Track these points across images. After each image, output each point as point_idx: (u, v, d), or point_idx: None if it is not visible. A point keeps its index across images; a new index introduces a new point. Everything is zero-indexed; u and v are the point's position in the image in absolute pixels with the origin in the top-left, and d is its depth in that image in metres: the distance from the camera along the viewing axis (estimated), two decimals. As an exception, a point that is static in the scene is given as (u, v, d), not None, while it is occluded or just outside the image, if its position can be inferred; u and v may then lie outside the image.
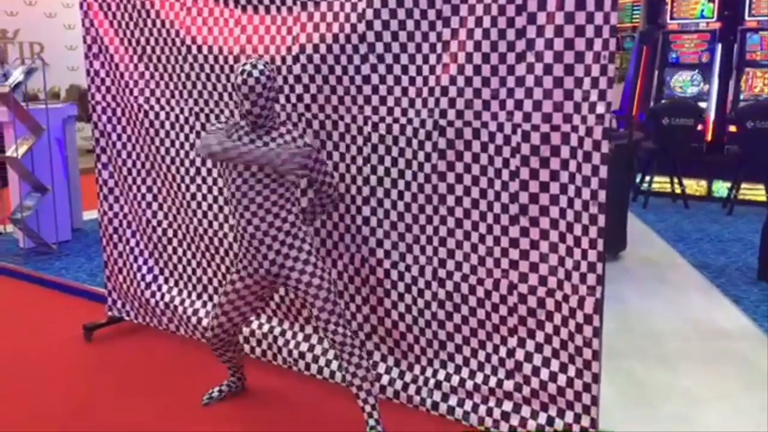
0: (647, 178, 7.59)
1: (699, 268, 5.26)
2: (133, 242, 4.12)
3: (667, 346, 3.89)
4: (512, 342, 2.92)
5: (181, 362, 3.79)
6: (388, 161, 3.04)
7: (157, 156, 3.81)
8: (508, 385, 2.93)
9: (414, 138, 2.95)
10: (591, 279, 2.65)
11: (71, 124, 6.56)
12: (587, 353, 2.70)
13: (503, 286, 2.88)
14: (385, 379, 3.24)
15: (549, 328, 2.81)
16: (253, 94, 2.75)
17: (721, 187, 7.72)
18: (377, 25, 2.94)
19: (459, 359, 3.07)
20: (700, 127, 7.58)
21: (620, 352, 3.75)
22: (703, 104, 7.82)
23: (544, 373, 2.83)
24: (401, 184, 3.03)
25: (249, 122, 2.82)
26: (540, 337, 2.84)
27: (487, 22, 2.70)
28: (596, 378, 2.71)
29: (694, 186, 7.86)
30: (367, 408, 2.91)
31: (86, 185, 6.25)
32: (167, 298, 4.00)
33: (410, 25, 2.88)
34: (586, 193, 2.61)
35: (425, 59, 2.88)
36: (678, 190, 7.54)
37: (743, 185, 7.17)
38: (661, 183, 7.78)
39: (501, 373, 2.96)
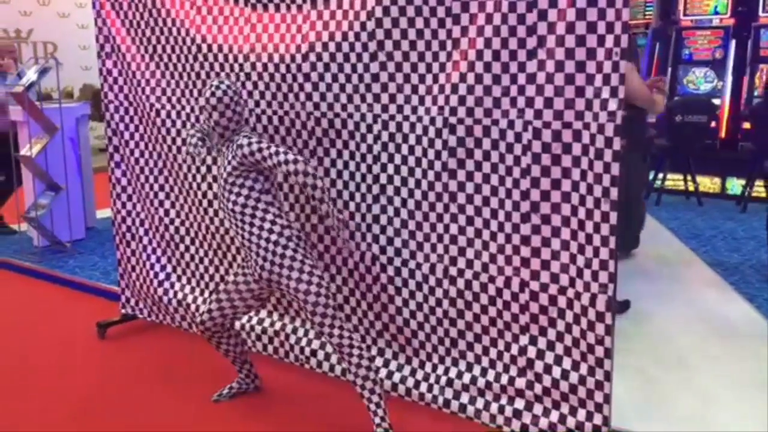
0: (660, 176, 7.55)
1: (712, 266, 5.23)
2: (145, 240, 4.14)
3: (681, 345, 3.86)
4: (524, 340, 2.91)
5: (192, 359, 3.81)
6: (398, 159, 3.04)
7: (168, 154, 3.83)
8: (520, 382, 2.92)
9: (424, 136, 2.95)
10: (603, 277, 2.64)
11: (85, 124, 6.61)
12: (599, 351, 2.69)
13: (515, 284, 2.88)
14: (396, 377, 3.24)
15: (561, 325, 2.80)
16: (216, 111, 2.95)
17: (735, 184, 7.68)
18: (386, 23, 2.94)
19: (470, 357, 3.07)
20: (713, 124, 7.53)
21: (633, 350, 3.74)
22: (716, 101, 7.77)
23: (556, 371, 2.82)
24: (411, 182, 3.02)
25: (216, 134, 3.00)
26: (552, 334, 2.83)
27: (497, 19, 2.69)
28: (608, 376, 2.70)
29: (708, 183, 7.81)
30: (372, 406, 2.92)
31: (100, 184, 6.30)
32: (179, 295, 4.02)
33: (419, 22, 2.87)
34: (597, 191, 2.60)
35: (435, 57, 2.88)
36: (691, 188, 7.50)
37: (757, 182, 7.12)
38: (674, 180, 7.73)
39: (513, 371, 2.95)
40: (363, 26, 3.00)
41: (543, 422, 2.87)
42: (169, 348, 3.99)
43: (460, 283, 3.00)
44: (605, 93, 2.54)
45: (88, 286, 4.99)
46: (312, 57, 3.13)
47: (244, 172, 2.91)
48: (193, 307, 3.96)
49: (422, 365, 3.21)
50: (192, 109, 3.67)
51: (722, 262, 5.34)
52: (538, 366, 2.86)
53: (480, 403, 3.02)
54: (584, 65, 2.57)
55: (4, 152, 5.94)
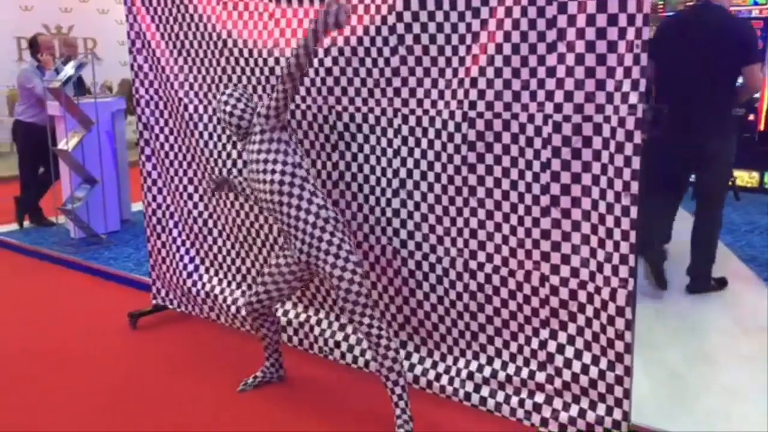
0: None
1: (747, 262, 5.13)
2: (175, 233, 4.22)
3: (708, 341, 3.81)
4: (544, 334, 2.90)
5: (219, 349, 3.88)
6: (418, 153, 3.05)
7: (196, 148, 3.90)
8: (540, 376, 2.92)
9: (443, 130, 2.95)
10: (623, 271, 2.62)
11: (120, 118, 6.74)
12: (619, 346, 2.67)
13: (535, 278, 2.87)
14: (417, 370, 3.26)
15: (581, 320, 2.79)
16: (228, 105, 3.13)
17: (774, 179, 7.51)
18: (407, 17, 2.94)
19: (491, 350, 3.07)
20: (751, 117, 7.36)
21: (659, 345, 3.71)
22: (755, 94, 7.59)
23: (576, 365, 2.81)
24: (431, 176, 3.03)
25: (240, 134, 3.15)
26: (572, 329, 2.82)
27: (517, 12, 2.68)
28: (628, 371, 2.68)
29: (746, 177, 7.65)
30: (395, 397, 2.95)
31: (135, 177, 6.41)
32: (207, 287, 4.10)
33: (439, 16, 2.87)
34: (618, 185, 2.58)
35: (454, 50, 2.87)
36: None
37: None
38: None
39: (533, 365, 2.95)
40: (384, 20, 3.01)
41: (563, 416, 2.86)
42: (197, 338, 4.07)
43: (480, 277, 3.00)
44: (626, 86, 2.51)
45: (121, 276, 5.11)
46: (334, 51, 3.16)
47: (273, 143, 2.96)
48: (220, 298, 4.02)
49: (443, 358, 3.22)
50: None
51: (757, 257, 5.24)
52: (558, 360, 2.85)
53: (500, 396, 3.03)
54: (605, 58, 2.54)
55: (44, 146, 6.09)
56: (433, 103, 2.96)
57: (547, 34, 2.65)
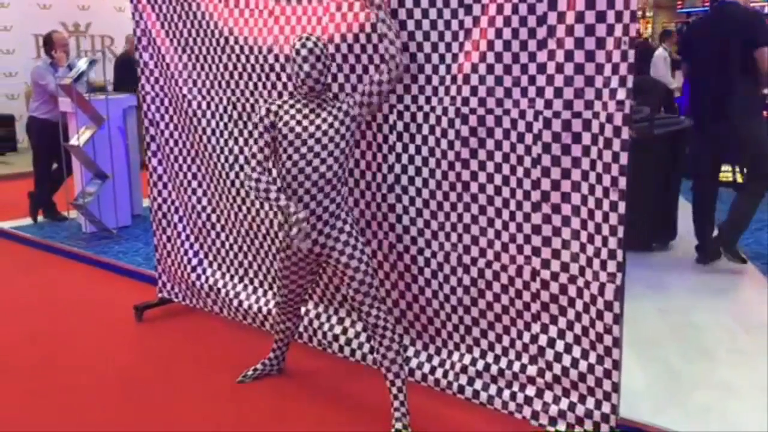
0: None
1: (753, 259, 5.10)
2: (180, 227, 4.29)
3: (708, 337, 3.81)
4: (535, 328, 2.93)
5: (222, 341, 3.95)
6: (413, 149, 3.08)
7: (199, 144, 3.96)
8: (531, 370, 2.95)
9: (437, 126, 2.99)
10: (611, 266, 2.64)
11: (132, 114, 6.83)
12: (608, 340, 2.69)
13: (526, 273, 2.90)
14: (413, 363, 3.30)
15: (571, 314, 2.81)
16: (307, 63, 2.87)
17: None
18: (401, 14, 2.98)
19: (484, 344, 3.11)
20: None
21: (657, 341, 3.72)
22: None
23: (566, 359, 2.83)
24: (425, 172, 3.07)
25: (305, 91, 2.92)
26: (562, 323, 2.85)
27: (508, 9, 2.71)
28: (617, 365, 2.70)
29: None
30: (394, 389, 2.98)
31: (147, 173, 6.51)
32: (211, 281, 4.16)
33: (433, 13, 2.91)
34: (606, 180, 2.60)
35: (448, 47, 2.91)
36: (740, 179, 7.29)
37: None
38: (722, 172, 7.52)
39: (524, 359, 2.98)
40: (379, 17, 3.04)
41: (553, 409, 2.89)
42: (200, 330, 4.14)
43: (474, 271, 3.04)
44: (614, 82, 2.53)
45: (129, 270, 5.19)
46: (331, 48, 3.20)
47: (345, 128, 2.93)
48: (223, 292, 4.09)
49: (438, 352, 3.26)
50: (221, 100, 3.79)
51: (763, 255, 5.21)
52: (549, 354, 2.88)
53: (492, 389, 3.06)
54: (594, 54, 2.57)
55: (57, 142, 6.20)
56: (427, 99, 3.00)
57: (537, 30, 2.68)
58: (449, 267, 3.11)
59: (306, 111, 2.93)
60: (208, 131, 3.88)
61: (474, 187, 2.96)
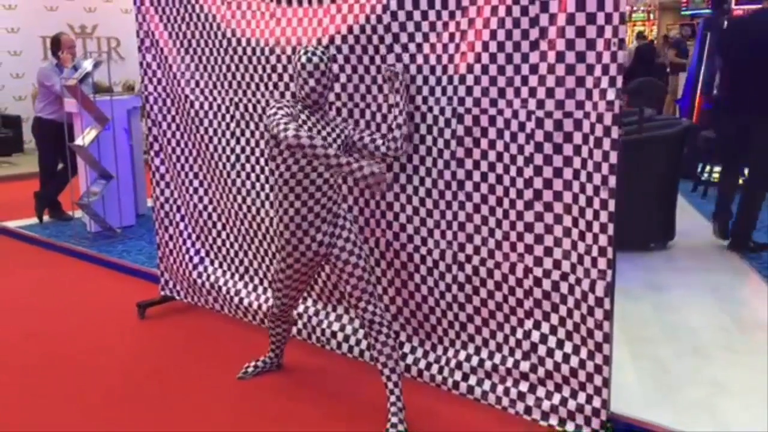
0: (708, 168, 7.41)
1: (750, 260, 5.14)
2: (182, 226, 4.35)
3: (702, 336, 3.85)
4: (528, 324, 2.98)
5: (223, 339, 4.00)
6: (410, 148, 3.14)
7: (201, 144, 4.03)
8: (524, 366, 3.00)
9: (434, 125, 3.05)
10: (602, 263, 2.69)
11: (136, 115, 6.90)
12: (598, 336, 2.74)
13: (519, 270, 2.95)
14: (409, 359, 3.36)
15: (563, 310, 2.86)
16: (312, 78, 2.90)
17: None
18: (401, 16, 3.04)
19: (478, 340, 3.16)
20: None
21: (650, 340, 3.76)
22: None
23: (558, 355, 2.89)
24: (422, 171, 3.13)
25: (306, 105, 2.95)
26: (554, 319, 2.90)
27: (502, 11, 2.77)
28: (607, 360, 2.75)
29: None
30: (390, 385, 3.03)
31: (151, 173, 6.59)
32: (212, 279, 4.23)
33: (432, 15, 2.97)
34: (596, 179, 2.65)
35: (445, 48, 2.97)
36: (741, 181, 7.32)
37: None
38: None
39: (517, 354, 3.03)
40: (379, 19, 3.11)
41: (545, 405, 2.94)
42: (201, 328, 4.19)
43: (468, 268, 3.09)
44: (604, 83, 2.59)
45: (132, 269, 5.26)
46: (332, 50, 3.26)
47: (347, 141, 3.03)
48: (224, 290, 4.15)
49: (434, 348, 3.31)
50: (223, 100, 3.85)
51: (759, 255, 5.24)
52: (541, 350, 2.93)
53: (487, 385, 3.11)
54: (584, 55, 2.62)
55: (63, 142, 6.27)
56: (425, 99, 3.06)
57: (530, 32, 2.73)
58: (444, 265, 3.16)
59: (310, 117, 2.97)
60: (210, 131, 3.94)
61: (469, 186, 3.02)
